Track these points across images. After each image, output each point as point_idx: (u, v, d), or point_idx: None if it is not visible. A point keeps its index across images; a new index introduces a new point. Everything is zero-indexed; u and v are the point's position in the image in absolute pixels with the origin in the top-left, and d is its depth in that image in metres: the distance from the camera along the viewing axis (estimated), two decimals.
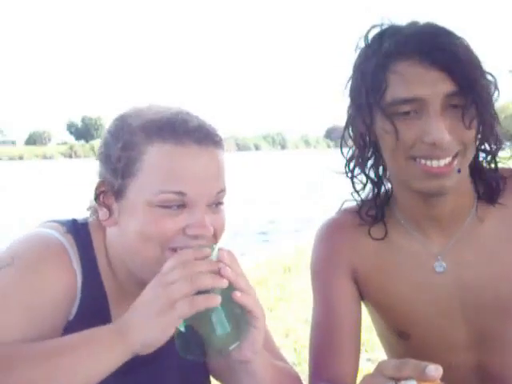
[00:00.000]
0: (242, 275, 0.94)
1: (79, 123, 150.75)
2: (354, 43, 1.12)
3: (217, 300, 0.87)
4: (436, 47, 1.00)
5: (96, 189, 1.03)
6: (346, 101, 1.14)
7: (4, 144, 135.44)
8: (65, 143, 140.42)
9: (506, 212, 1.14)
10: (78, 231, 1.05)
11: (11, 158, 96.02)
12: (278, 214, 14.78)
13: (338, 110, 1.18)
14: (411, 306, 1.16)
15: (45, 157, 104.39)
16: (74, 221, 1.08)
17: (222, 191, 1.03)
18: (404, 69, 1.02)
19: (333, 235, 1.23)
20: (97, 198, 1.03)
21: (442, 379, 0.71)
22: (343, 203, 1.25)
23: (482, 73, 1.05)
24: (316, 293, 1.23)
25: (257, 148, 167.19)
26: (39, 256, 0.99)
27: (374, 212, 1.18)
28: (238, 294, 0.90)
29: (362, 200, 1.20)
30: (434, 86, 1.00)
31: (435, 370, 0.70)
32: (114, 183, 1.00)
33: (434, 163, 1.02)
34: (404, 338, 1.20)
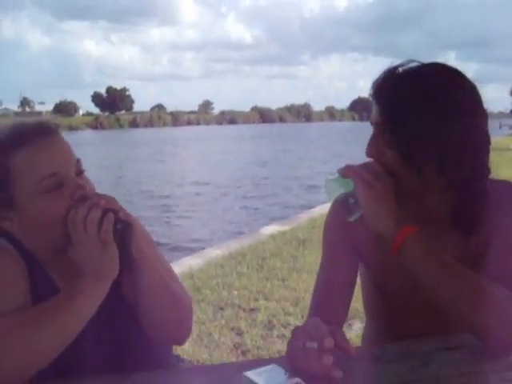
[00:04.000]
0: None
1: (104, 94, 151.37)
2: None
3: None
4: (379, 86, 1.28)
5: None
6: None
7: (31, 115, 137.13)
8: (90, 114, 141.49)
9: None
10: (5, 235, 1.27)
11: None
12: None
13: (364, 83, 1.37)
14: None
15: (71, 127, 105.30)
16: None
17: (79, 160, 1.29)
18: None
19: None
20: None
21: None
22: None
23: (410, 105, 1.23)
24: (323, 253, 1.47)
25: (281, 120, 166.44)
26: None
27: None
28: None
29: None
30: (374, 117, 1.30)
31: (328, 343, 0.96)
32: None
33: None
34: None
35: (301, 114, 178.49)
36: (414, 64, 1.28)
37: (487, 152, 1.30)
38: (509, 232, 1.27)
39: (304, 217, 8.79)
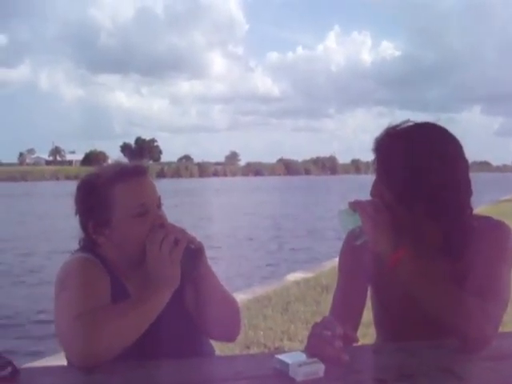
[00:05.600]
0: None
1: (133, 145, 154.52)
2: None
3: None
4: (377, 142, 1.67)
5: (90, 230, 1.63)
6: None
7: (61, 164, 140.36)
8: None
9: None
10: (92, 251, 1.65)
11: (67, 177, 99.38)
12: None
13: None
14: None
15: None
16: (85, 246, 1.68)
17: (159, 197, 1.67)
18: None
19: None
20: (93, 233, 1.62)
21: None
22: None
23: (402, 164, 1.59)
24: (338, 275, 1.80)
25: (307, 172, 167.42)
26: (87, 268, 1.59)
27: None
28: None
29: None
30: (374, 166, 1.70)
31: (339, 330, 1.37)
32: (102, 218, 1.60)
33: None
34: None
35: (326, 166, 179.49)
36: (409, 124, 1.65)
37: (469, 194, 1.65)
38: (487, 257, 1.59)
39: (328, 264, 9.05)
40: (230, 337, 1.81)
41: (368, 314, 1.84)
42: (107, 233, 1.62)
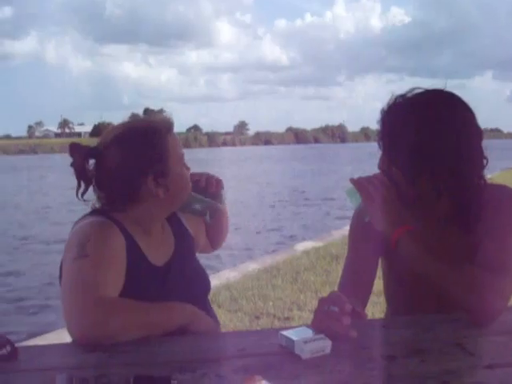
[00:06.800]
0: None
1: (141, 116, 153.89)
2: None
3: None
4: (383, 112, 1.58)
5: (149, 182, 1.61)
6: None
7: (70, 136, 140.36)
8: None
9: None
10: (105, 213, 1.62)
11: None
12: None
13: None
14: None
15: None
16: (97, 210, 1.66)
17: None
18: None
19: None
20: (154, 185, 1.61)
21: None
22: None
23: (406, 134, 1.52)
24: (348, 245, 1.76)
25: (316, 141, 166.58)
26: (107, 233, 1.54)
27: None
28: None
29: None
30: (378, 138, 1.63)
31: (347, 307, 1.32)
32: (161, 169, 1.61)
33: None
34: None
35: (335, 134, 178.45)
36: (417, 91, 1.57)
37: (481, 166, 1.57)
38: (498, 229, 1.53)
39: (337, 234, 9.04)
40: (221, 242, 2.10)
41: (378, 284, 1.79)
42: (167, 183, 1.63)
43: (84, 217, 1.63)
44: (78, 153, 1.64)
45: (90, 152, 1.64)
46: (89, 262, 1.45)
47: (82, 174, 1.64)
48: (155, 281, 1.61)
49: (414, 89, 1.57)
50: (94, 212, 1.65)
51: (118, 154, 1.61)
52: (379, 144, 1.61)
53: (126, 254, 1.56)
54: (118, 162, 1.61)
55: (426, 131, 1.50)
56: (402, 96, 1.57)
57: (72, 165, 1.63)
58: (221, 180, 1.90)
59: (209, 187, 1.86)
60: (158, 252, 1.67)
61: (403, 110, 1.55)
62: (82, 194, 1.65)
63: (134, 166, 1.60)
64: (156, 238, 1.69)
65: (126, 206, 1.63)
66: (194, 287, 1.71)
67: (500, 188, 1.62)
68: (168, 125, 1.68)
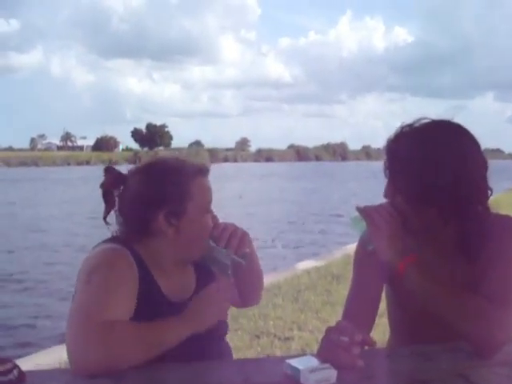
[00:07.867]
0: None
1: (144, 130, 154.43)
2: None
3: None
4: (389, 141, 1.61)
5: (160, 219, 1.59)
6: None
7: (72, 149, 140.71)
8: (130, 150, 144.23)
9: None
10: (123, 243, 1.60)
11: (79, 163, 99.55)
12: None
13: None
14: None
15: (110, 162, 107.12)
16: (116, 237, 1.65)
17: None
18: None
19: None
20: (164, 222, 1.59)
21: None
22: None
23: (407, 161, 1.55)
24: (353, 273, 1.78)
25: (317, 158, 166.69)
26: (118, 260, 1.54)
27: None
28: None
29: None
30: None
31: (358, 337, 1.33)
32: (176, 209, 1.58)
33: None
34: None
35: (337, 152, 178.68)
36: (424, 121, 1.59)
37: (486, 196, 1.59)
38: (503, 259, 1.54)
39: (338, 253, 9.02)
40: (256, 301, 1.99)
41: (381, 304, 1.80)
42: (179, 224, 1.60)
43: (101, 243, 1.63)
44: (111, 175, 1.67)
45: (120, 176, 1.67)
46: (94, 287, 1.45)
47: (106, 195, 1.67)
48: (169, 315, 1.54)
49: (421, 118, 1.60)
50: (111, 239, 1.64)
51: (139, 183, 1.62)
52: (385, 173, 1.62)
53: (139, 283, 1.55)
54: (137, 190, 1.62)
55: (432, 162, 1.52)
56: (409, 126, 1.59)
57: (101, 186, 1.67)
58: (247, 234, 1.71)
59: (232, 241, 1.66)
60: (175, 288, 1.64)
61: (409, 140, 1.57)
62: (104, 217, 1.67)
63: (150, 198, 1.60)
64: (174, 274, 1.66)
65: (140, 237, 1.63)
66: (211, 329, 1.62)
67: (504, 219, 1.63)
68: (200, 169, 1.67)
